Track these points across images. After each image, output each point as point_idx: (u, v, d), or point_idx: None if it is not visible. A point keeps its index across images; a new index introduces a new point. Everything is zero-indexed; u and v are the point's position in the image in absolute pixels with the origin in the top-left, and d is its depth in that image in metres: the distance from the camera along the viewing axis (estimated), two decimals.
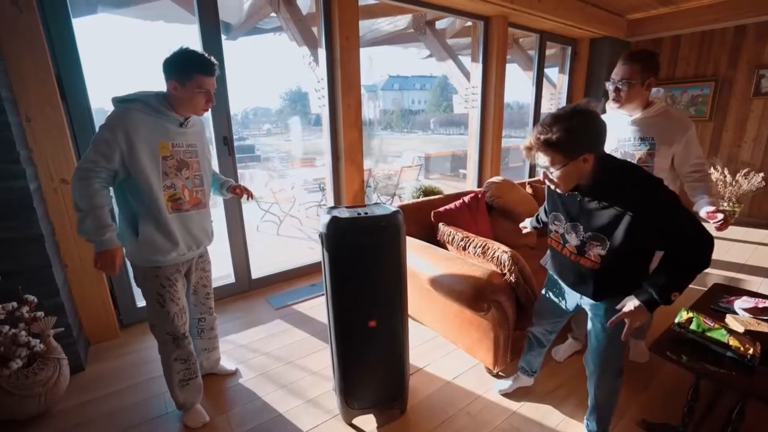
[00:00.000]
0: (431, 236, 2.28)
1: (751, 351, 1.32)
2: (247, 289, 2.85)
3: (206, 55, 1.40)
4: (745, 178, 3.83)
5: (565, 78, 4.67)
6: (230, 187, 1.66)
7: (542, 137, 1.09)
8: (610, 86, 1.68)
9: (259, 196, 4.84)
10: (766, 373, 1.29)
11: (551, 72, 4.85)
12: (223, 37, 3.81)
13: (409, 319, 1.92)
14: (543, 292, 1.55)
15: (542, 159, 1.11)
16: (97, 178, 1.30)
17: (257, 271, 2.95)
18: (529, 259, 2.07)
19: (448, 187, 3.56)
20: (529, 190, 2.98)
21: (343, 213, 1.43)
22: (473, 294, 1.65)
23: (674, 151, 1.72)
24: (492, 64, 3.61)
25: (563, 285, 1.43)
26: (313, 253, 3.77)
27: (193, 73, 1.37)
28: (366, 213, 1.42)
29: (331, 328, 1.50)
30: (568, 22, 3.76)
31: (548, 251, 1.48)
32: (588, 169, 1.15)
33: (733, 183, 3.82)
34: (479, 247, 1.87)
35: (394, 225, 1.40)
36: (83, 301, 2.07)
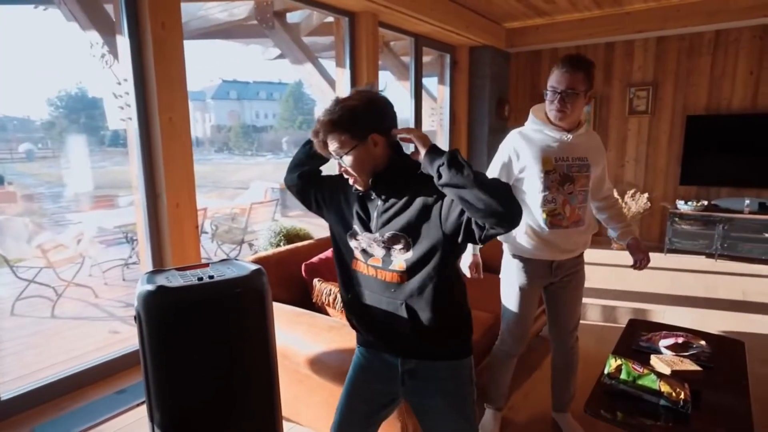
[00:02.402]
0: (304, 298, 2.21)
1: (682, 396, 1.54)
2: None
3: None
4: (633, 199, 4.73)
5: (446, 89, 5.20)
6: None
7: (326, 118, 1.27)
8: (551, 95, 1.88)
9: (17, 258, 4.09)
10: (700, 417, 1.53)
11: (430, 83, 5.36)
12: None
13: (288, 424, 1.75)
14: (345, 393, 1.45)
15: (332, 145, 1.28)
16: None
17: (14, 384, 2.40)
18: None
19: (318, 228, 3.53)
20: None
21: (174, 279, 1.25)
22: None
23: (596, 174, 2.02)
24: (362, 69, 3.80)
25: (374, 356, 1.41)
26: (118, 339, 3.35)
27: None
28: (211, 276, 1.27)
29: None
30: (445, 26, 4.22)
31: (344, 302, 1.45)
32: (380, 154, 1.31)
33: (623, 205, 4.67)
34: None
35: (256, 290, 1.31)
36: None
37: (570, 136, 1.95)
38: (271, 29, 4.18)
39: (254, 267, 1.34)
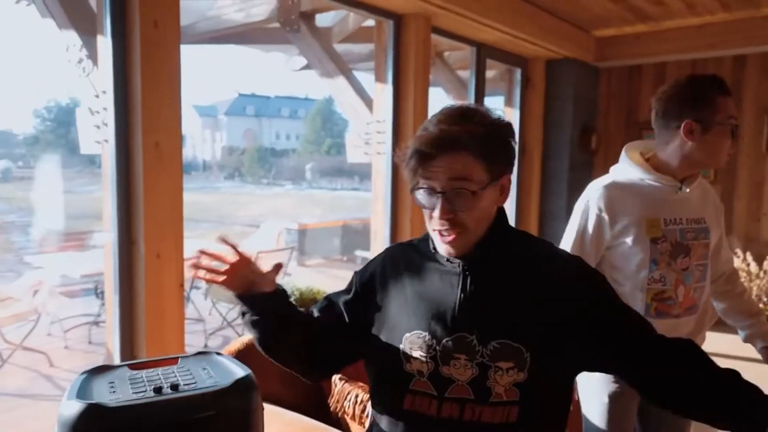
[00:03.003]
0: (317, 401, 2.04)
1: None
2: None
3: None
4: None
5: (515, 113, 5.04)
6: None
7: (463, 126, 1.10)
8: (727, 129, 1.70)
9: None
10: None
11: (494, 103, 5.22)
12: None
13: None
14: None
15: (449, 172, 1.09)
16: None
17: None
18: None
19: (341, 283, 3.33)
20: None
21: (121, 389, 1.11)
22: None
23: (714, 241, 1.85)
24: (408, 85, 3.69)
25: None
26: None
27: None
28: (175, 386, 1.11)
29: None
30: (516, 33, 4.10)
31: None
32: (493, 213, 1.20)
33: (761, 275, 4.29)
34: None
35: (239, 413, 1.14)
36: None
37: (687, 188, 1.76)
38: (296, 34, 4.19)
39: (241, 373, 1.18)
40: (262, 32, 4.63)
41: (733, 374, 1.16)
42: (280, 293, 1.27)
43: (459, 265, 1.16)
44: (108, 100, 2.47)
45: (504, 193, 1.18)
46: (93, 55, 2.59)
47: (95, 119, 2.56)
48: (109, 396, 1.07)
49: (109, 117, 2.48)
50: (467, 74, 4.66)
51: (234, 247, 1.23)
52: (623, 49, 4.95)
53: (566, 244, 1.92)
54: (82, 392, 1.08)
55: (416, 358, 1.13)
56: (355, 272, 1.37)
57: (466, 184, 1.08)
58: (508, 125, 1.17)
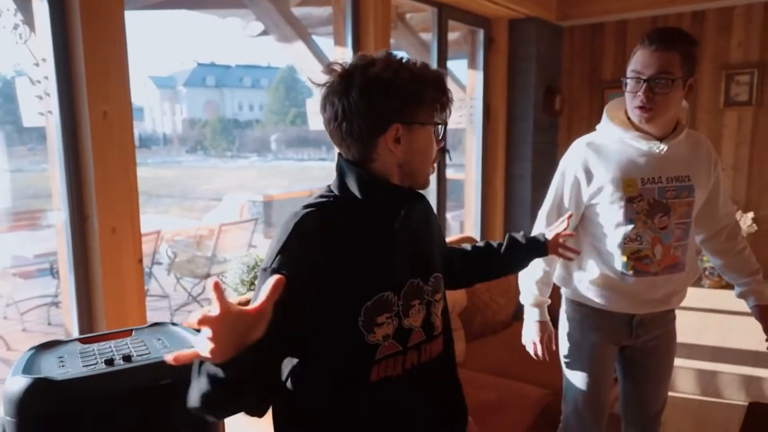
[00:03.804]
0: None
1: None
2: None
3: None
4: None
5: (478, 75, 5.01)
6: None
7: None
8: (632, 84, 1.70)
9: None
10: None
11: (457, 66, 5.18)
12: None
13: None
14: None
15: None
16: None
17: None
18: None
19: None
20: None
21: (71, 362, 1.10)
22: None
23: (704, 196, 1.86)
24: (369, 49, 3.64)
25: None
26: None
27: None
28: (127, 357, 1.12)
29: None
30: None
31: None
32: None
33: None
34: None
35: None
36: None
37: (663, 146, 1.75)
38: None
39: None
40: None
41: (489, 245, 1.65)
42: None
43: (394, 215, 1.16)
44: (49, 69, 2.38)
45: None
46: (29, 21, 2.49)
47: (37, 89, 2.48)
48: (57, 370, 1.05)
49: (52, 86, 2.39)
50: (430, 36, 4.60)
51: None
52: (586, 7, 4.90)
53: (546, 202, 1.96)
54: (28, 367, 1.07)
55: (380, 324, 1.10)
56: (289, 252, 1.09)
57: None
58: None
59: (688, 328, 3.71)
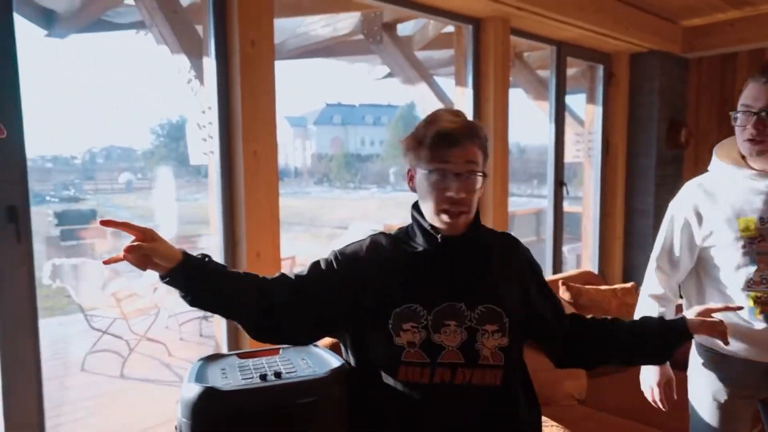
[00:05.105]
0: None
1: None
2: None
3: None
4: None
5: (597, 110, 4.84)
6: None
7: (468, 123, 1.30)
8: (743, 118, 1.63)
9: (91, 306, 4.41)
10: None
11: (574, 101, 5.04)
12: (41, 32, 3.59)
13: None
14: None
15: (468, 157, 1.24)
16: None
17: None
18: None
19: None
20: (564, 293, 2.83)
21: (231, 375, 1.18)
22: None
23: None
24: (488, 89, 3.65)
25: None
26: None
27: None
28: (278, 374, 1.17)
29: None
30: (597, 29, 3.94)
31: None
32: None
33: None
34: None
35: (335, 403, 1.18)
36: None
37: None
38: (378, 44, 4.24)
39: (336, 363, 1.24)
40: (347, 45, 4.69)
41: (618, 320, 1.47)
42: (192, 261, 1.18)
43: (440, 244, 1.27)
44: (213, 115, 2.59)
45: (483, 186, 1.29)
46: (200, 75, 2.70)
47: (202, 133, 2.68)
48: (221, 381, 1.14)
49: (214, 130, 2.59)
50: (547, 73, 4.53)
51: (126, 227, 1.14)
52: (715, 37, 4.57)
53: (656, 246, 1.85)
54: (199, 377, 1.15)
55: (406, 330, 1.19)
56: (336, 253, 1.35)
57: (477, 168, 1.24)
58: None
59: None
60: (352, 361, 1.29)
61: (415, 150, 1.29)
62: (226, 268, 1.27)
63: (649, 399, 1.84)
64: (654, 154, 4.75)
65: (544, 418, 1.61)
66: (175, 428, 1.12)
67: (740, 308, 1.58)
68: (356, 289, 1.26)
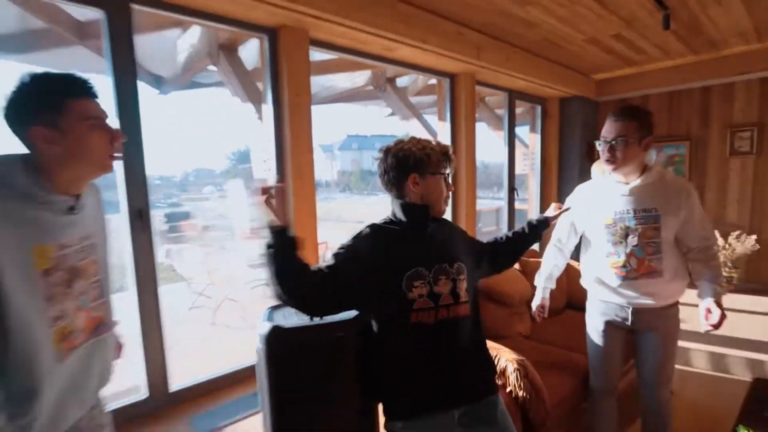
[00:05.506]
0: None
1: None
2: (164, 405, 2.37)
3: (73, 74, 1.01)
4: (738, 241, 3.94)
5: (537, 137, 4.85)
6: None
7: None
8: (601, 146, 1.64)
9: (190, 276, 4.44)
10: None
11: (522, 131, 5.05)
12: (154, 91, 3.60)
13: None
14: None
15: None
16: None
17: (181, 379, 2.48)
18: (527, 355, 1.85)
19: None
20: (516, 265, 2.84)
21: (289, 317, 1.18)
22: None
23: (678, 222, 1.65)
24: (461, 123, 3.66)
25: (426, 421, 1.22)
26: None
27: (66, 99, 0.93)
28: (321, 318, 1.18)
29: None
30: (537, 81, 3.95)
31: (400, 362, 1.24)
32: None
33: (726, 246, 3.91)
34: None
35: (357, 334, 1.22)
36: None
37: (627, 187, 1.64)
38: (384, 92, 4.24)
39: (354, 313, 1.26)
40: (362, 93, 4.67)
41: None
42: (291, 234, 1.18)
43: (425, 226, 1.31)
44: (270, 144, 2.61)
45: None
46: (261, 117, 2.72)
47: (262, 155, 2.70)
48: (283, 321, 1.18)
49: (271, 154, 2.62)
50: (502, 112, 4.55)
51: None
52: (616, 86, 4.64)
53: (557, 227, 1.96)
54: (270, 318, 1.19)
55: (416, 286, 1.19)
56: (356, 240, 1.28)
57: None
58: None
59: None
60: (370, 320, 1.25)
61: None
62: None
63: (533, 313, 1.98)
64: (577, 168, 4.76)
65: (502, 346, 1.65)
66: (256, 352, 1.17)
67: (568, 209, 1.76)
68: (375, 266, 1.21)
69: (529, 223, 1.68)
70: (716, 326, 1.60)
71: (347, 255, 1.24)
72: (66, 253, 0.95)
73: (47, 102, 0.92)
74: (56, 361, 0.91)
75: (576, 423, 2.04)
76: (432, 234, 1.29)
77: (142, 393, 2.30)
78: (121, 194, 2.12)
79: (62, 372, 0.93)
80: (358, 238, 1.29)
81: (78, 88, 0.96)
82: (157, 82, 3.71)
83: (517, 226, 1.70)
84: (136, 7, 2.10)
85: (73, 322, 0.96)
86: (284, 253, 1.15)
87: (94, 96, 0.99)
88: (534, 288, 2.07)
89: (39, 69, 0.94)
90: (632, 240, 1.63)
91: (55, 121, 0.91)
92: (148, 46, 2.93)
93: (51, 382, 0.90)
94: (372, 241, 1.27)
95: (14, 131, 0.93)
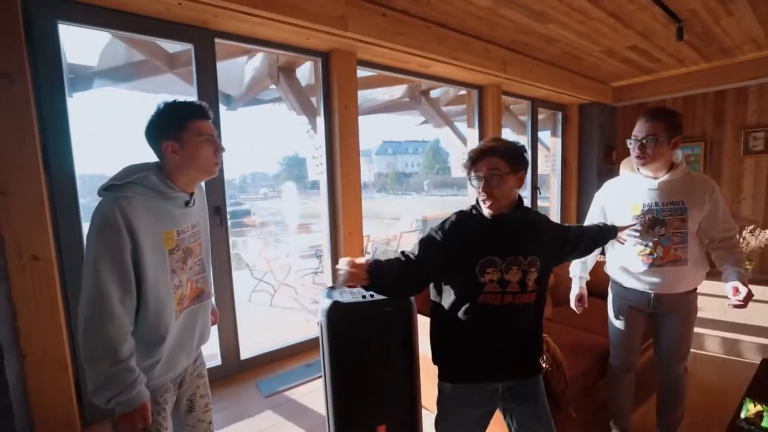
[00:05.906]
0: None
1: None
2: (236, 371, 2.54)
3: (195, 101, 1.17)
4: (752, 235, 3.71)
5: (558, 141, 4.73)
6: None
7: (496, 143, 1.20)
8: (632, 143, 1.60)
9: (253, 264, 4.64)
10: None
11: (543, 135, 4.93)
12: (223, 108, 3.80)
13: (425, 411, 1.63)
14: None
15: (486, 164, 1.17)
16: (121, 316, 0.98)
17: (248, 350, 2.64)
18: (549, 335, 1.85)
19: None
20: None
21: (345, 296, 1.24)
22: None
23: (703, 215, 1.61)
24: (488, 129, 3.64)
25: (473, 388, 1.23)
26: (309, 326, 3.53)
27: (187, 120, 1.09)
28: (372, 295, 1.23)
29: None
30: (557, 90, 3.86)
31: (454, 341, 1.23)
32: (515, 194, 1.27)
33: (741, 240, 3.68)
34: None
35: (404, 309, 1.23)
36: (39, 398, 1.77)
37: (656, 182, 1.59)
38: (418, 103, 4.26)
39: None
40: (398, 104, 4.69)
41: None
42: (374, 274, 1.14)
43: (496, 218, 1.21)
44: (322, 151, 2.71)
45: (520, 183, 1.20)
46: (314, 127, 2.82)
47: (315, 161, 2.80)
48: (341, 297, 1.24)
49: (323, 160, 2.72)
50: (525, 118, 4.47)
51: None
52: (632, 92, 4.44)
53: (589, 217, 1.88)
54: (329, 295, 1.26)
55: (488, 272, 1.16)
56: (439, 228, 1.24)
57: (497, 172, 1.15)
58: (521, 146, 1.21)
59: (717, 309, 3.19)
60: (439, 297, 1.24)
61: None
62: (381, 262, 1.17)
63: (572, 306, 1.87)
64: (595, 168, 4.61)
65: None
66: (318, 324, 1.25)
67: (634, 225, 1.64)
68: (451, 252, 1.18)
69: (603, 224, 1.62)
70: (744, 301, 1.53)
71: (428, 243, 1.20)
72: (183, 237, 1.12)
73: (174, 122, 1.08)
74: (174, 319, 1.09)
75: (594, 398, 2.03)
76: (511, 223, 1.20)
77: (217, 360, 2.47)
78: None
79: (176, 327, 1.10)
80: (442, 225, 1.24)
81: (196, 111, 1.11)
82: (227, 99, 3.90)
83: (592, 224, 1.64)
84: (218, 40, 2.25)
85: (185, 290, 1.12)
86: (382, 291, 1.16)
87: (207, 117, 1.13)
88: (555, 277, 2.04)
89: (169, 97, 1.12)
90: (660, 230, 1.60)
91: (179, 136, 1.07)
92: (220, 70, 3.10)
93: (170, 334, 1.08)
94: (451, 228, 1.22)
95: (151, 145, 1.10)
